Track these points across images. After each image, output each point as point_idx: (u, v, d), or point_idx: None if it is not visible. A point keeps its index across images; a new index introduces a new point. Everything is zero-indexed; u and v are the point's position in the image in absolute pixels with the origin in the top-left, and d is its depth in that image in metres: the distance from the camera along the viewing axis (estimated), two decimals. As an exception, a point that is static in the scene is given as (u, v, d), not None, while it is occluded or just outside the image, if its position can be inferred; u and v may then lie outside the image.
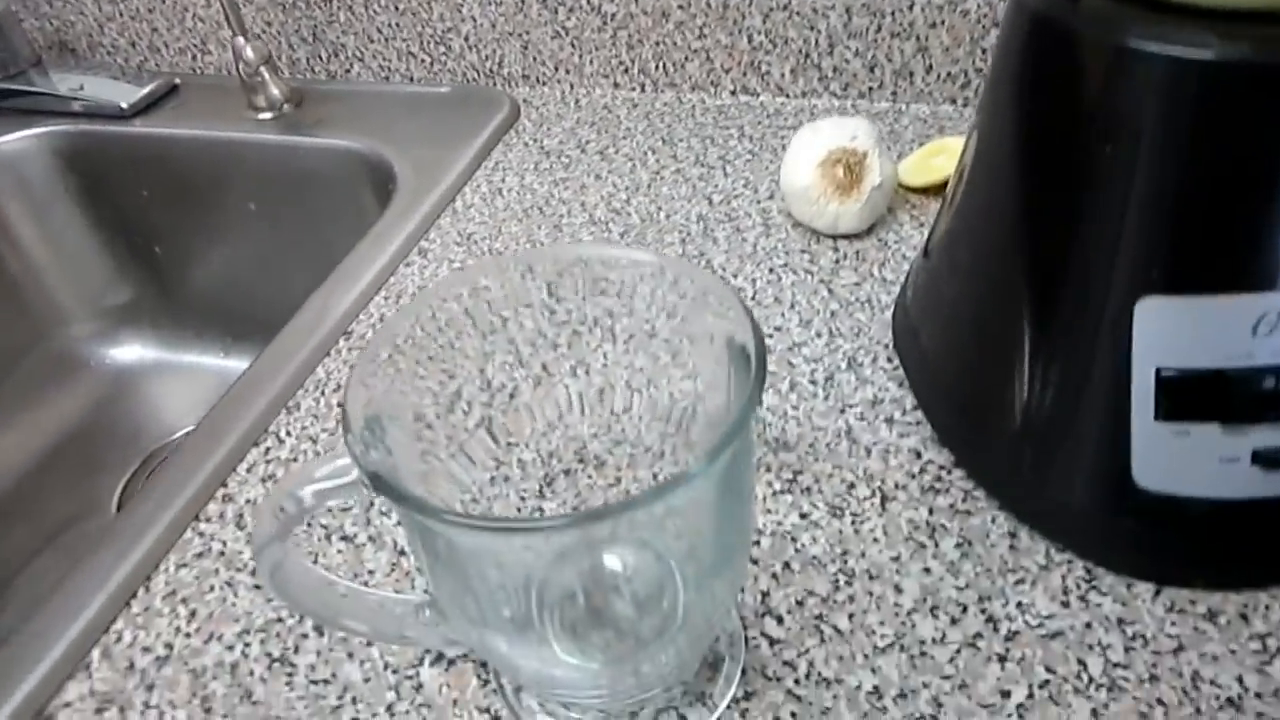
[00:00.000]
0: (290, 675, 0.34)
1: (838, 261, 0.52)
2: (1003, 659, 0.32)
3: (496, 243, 0.56)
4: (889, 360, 0.45)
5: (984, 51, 0.64)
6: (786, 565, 0.36)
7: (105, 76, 0.79)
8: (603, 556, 0.35)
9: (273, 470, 0.43)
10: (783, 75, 0.68)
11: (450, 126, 0.68)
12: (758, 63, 0.68)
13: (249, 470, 0.43)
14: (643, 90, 0.71)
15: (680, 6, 0.67)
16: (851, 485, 0.39)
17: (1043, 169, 0.34)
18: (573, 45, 0.70)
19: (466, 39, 0.74)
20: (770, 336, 0.47)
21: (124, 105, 0.75)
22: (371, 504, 0.40)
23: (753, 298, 0.50)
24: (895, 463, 0.40)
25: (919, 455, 0.40)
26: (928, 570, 0.35)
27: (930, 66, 0.65)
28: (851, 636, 0.33)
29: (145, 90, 0.76)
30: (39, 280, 0.79)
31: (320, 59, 0.79)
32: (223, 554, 0.39)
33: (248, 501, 0.41)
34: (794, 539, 0.37)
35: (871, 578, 0.35)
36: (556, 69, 0.72)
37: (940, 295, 0.41)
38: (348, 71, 0.79)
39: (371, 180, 0.68)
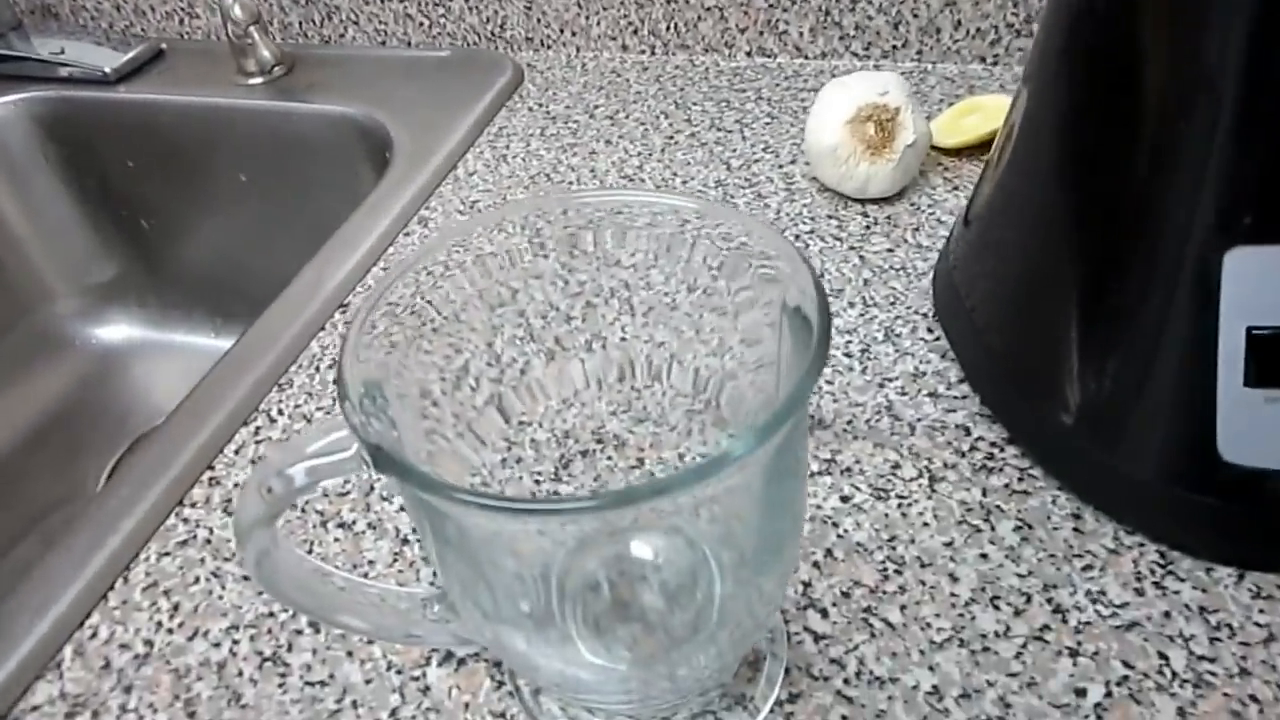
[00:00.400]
0: (283, 676, 0.31)
1: (868, 227, 0.49)
2: (1074, 653, 0.29)
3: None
4: (929, 330, 0.42)
5: (1015, 5, 0.60)
6: (829, 553, 0.33)
7: (88, 41, 0.75)
8: (629, 543, 0.32)
9: (263, 451, 0.39)
10: (801, 34, 0.64)
11: (450, 92, 0.64)
12: (775, 21, 0.64)
13: (237, 451, 0.39)
14: (653, 52, 0.67)
15: (694, -39, 0.63)
16: (896, 465, 0.36)
17: (1111, 112, 0.31)
18: (579, 5, 0.66)
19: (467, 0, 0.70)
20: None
21: (107, 70, 0.71)
22: (371, 488, 0.37)
23: (779, 265, 0.46)
24: (942, 440, 0.37)
25: (968, 432, 0.37)
26: (985, 556, 0.32)
27: (959, 22, 0.62)
28: (905, 630, 0.30)
29: (130, 55, 0.73)
30: (20, 255, 0.75)
31: (313, 22, 0.75)
32: (209, 542, 0.36)
33: (236, 485, 0.38)
34: (835, 524, 0.34)
35: (923, 565, 0.32)
36: (562, 31, 0.68)
37: (990, 259, 0.37)
38: (342, 36, 0.75)
39: (367, 147, 0.64)
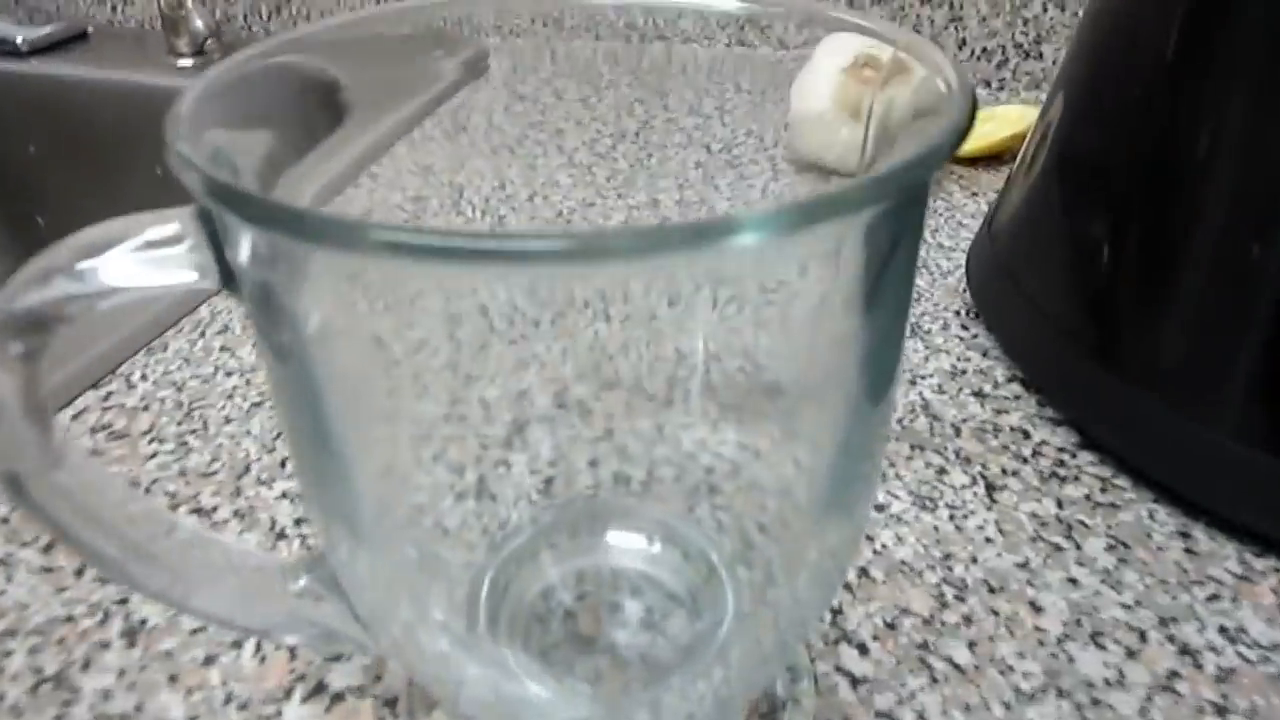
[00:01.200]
0: (66, 704, 0.21)
1: (881, 225, 0.42)
2: (1222, 710, 0.20)
3: (459, 176, 0.44)
4: (964, 328, 0.34)
5: (1025, 22, 0.55)
6: (864, 573, 0.24)
7: (9, 20, 0.68)
8: (598, 549, 0.23)
9: (109, 420, 0.30)
10: (785, 29, 0.59)
11: (412, 65, 0.57)
12: (757, 18, 0.59)
13: (75, 417, 0.30)
14: (628, 41, 0.61)
15: (684, -40, 0.58)
16: (941, 470, 0.28)
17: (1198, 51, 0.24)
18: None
19: (432, -6, 0.64)
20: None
21: (19, 40, 0.63)
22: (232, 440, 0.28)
23: (780, 254, 0.39)
24: (996, 444, 0.29)
25: (1026, 435, 0.29)
26: (1074, 582, 0.24)
27: (964, 41, 0.57)
28: (979, 675, 0.21)
29: (48, 29, 0.65)
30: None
31: (259, 15, 0.68)
32: (6, 521, 0.26)
33: (67, 460, 0.28)
34: (870, 537, 0.25)
35: (992, 590, 0.24)
36: (533, 21, 0.62)
37: (1051, 238, 0.30)
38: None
39: (317, 104, 0.56)
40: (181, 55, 0.61)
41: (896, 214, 0.12)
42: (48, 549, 0.25)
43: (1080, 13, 0.54)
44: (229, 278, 0.13)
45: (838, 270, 0.14)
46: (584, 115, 0.50)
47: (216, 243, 0.13)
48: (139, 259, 0.13)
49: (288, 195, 0.19)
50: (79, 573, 0.24)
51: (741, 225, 0.10)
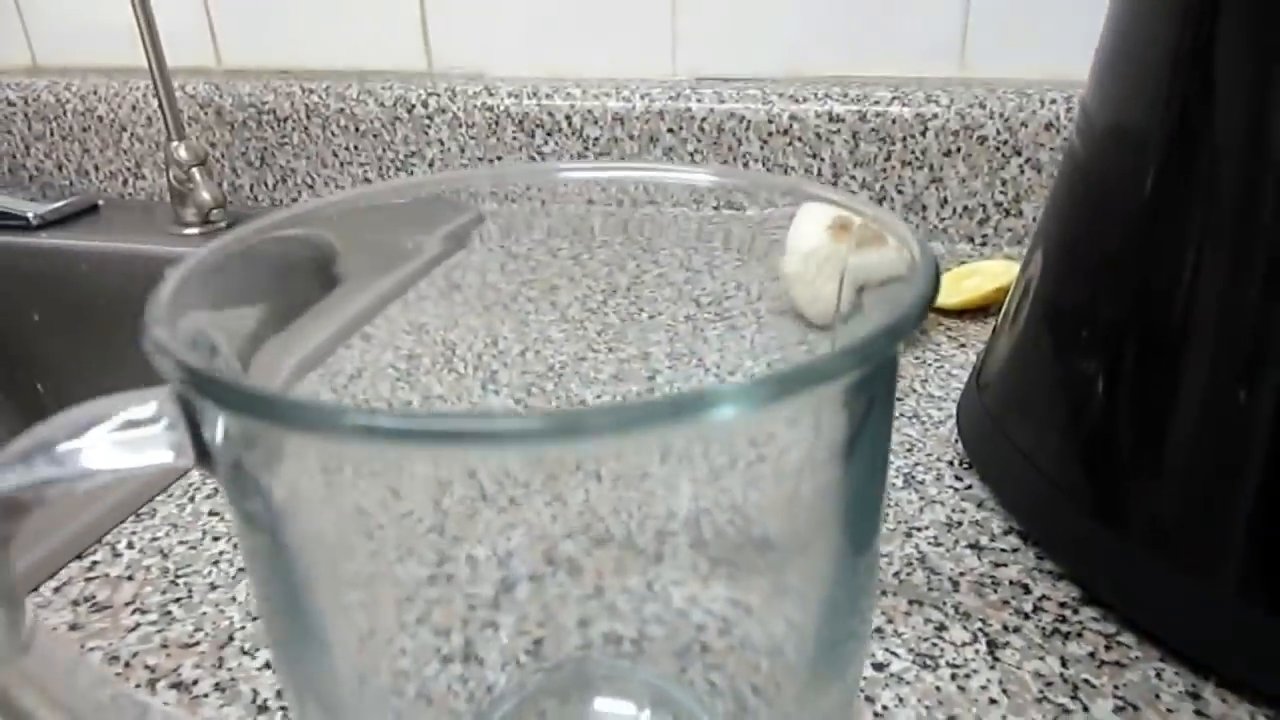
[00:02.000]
0: None
1: (869, 376, 0.42)
2: None
3: (451, 334, 0.45)
4: (957, 479, 0.34)
5: (1003, 183, 0.58)
6: (864, 736, 0.23)
7: (22, 197, 0.70)
8: (592, 706, 0.22)
9: (92, 591, 0.29)
10: (770, 197, 0.61)
11: (406, 228, 0.59)
12: (741, 190, 0.62)
13: (57, 590, 0.29)
14: (620, 205, 0.64)
15: (671, 130, 0.61)
16: (941, 627, 0.27)
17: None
18: (540, 156, 0.63)
19: (431, 164, 0.67)
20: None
21: (31, 216, 0.66)
22: (229, 640, 0.27)
23: (770, 407, 0.39)
24: (996, 598, 0.28)
25: (1026, 589, 0.28)
26: (1085, 746, 0.23)
27: (945, 199, 0.59)
28: None
29: (59, 204, 0.68)
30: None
31: (265, 185, 0.71)
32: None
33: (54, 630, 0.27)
34: (870, 699, 0.25)
35: (1000, 756, 0.23)
36: (528, 188, 0.64)
37: (1045, 377, 0.31)
38: (294, 199, 0.71)
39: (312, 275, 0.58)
40: (188, 225, 0.63)
41: (870, 380, 0.12)
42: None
43: (1054, 175, 0.57)
44: (204, 456, 0.13)
45: (818, 432, 0.14)
46: (576, 272, 0.52)
47: (193, 421, 0.13)
48: (117, 440, 0.13)
49: (270, 363, 0.19)
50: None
51: (719, 399, 0.10)
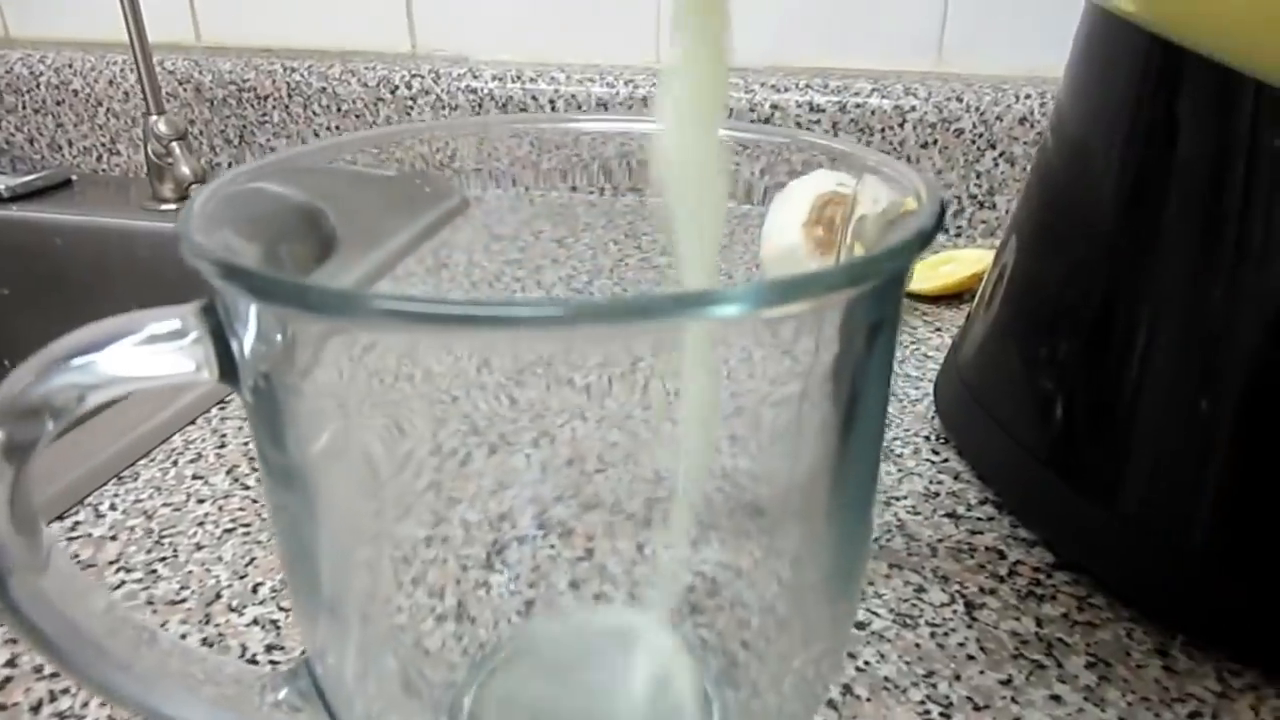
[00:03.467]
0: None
1: (848, 357, 0.43)
2: (1217, 829, 0.20)
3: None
4: (934, 453, 0.35)
5: (978, 176, 0.59)
6: (848, 690, 0.24)
7: (-10, 170, 0.69)
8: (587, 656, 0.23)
9: (76, 550, 0.29)
10: (754, 174, 0.62)
11: (394, 203, 0.59)
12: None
13: (41, 546, 0.29)
14: (602, 193, 0.64)
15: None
16: (920, 589, 0.28)
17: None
18: (531, 145, 0.64)
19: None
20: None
21: (2, 189, 0.65)
22: (216, 596, 0.27)
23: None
24: (973, 563, 0.29)
25: (1002, 555, 0.29)
26: (1058, 699, 0.24)
27: (922, 191, 0.60)
28: (970, 792, 0.21)
29: (30, 176, 0.67)
30: None
31: (244, 163, 0.71)
32: (-38, 652, 0.25)
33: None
34: (853, 655, 0.25)
35: (977, 708, 0.23)
36: (512, 164, 0.65)
37: (1020, 353, 0.32)
38: (273, 179, 0.71)
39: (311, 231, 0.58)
40: (165, 200, 0.63)
41: (876, 299, 0.13)
42: None
43: (1028, 168, 0.58)
44: (228, 371, 0.13)
45: (816, 355, 0.14)
46: (560, 254, 0.52)
47: (219, 336, 0.13)
48: (142, 351, 0.13)
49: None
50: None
51: (725, 298, 0.10)
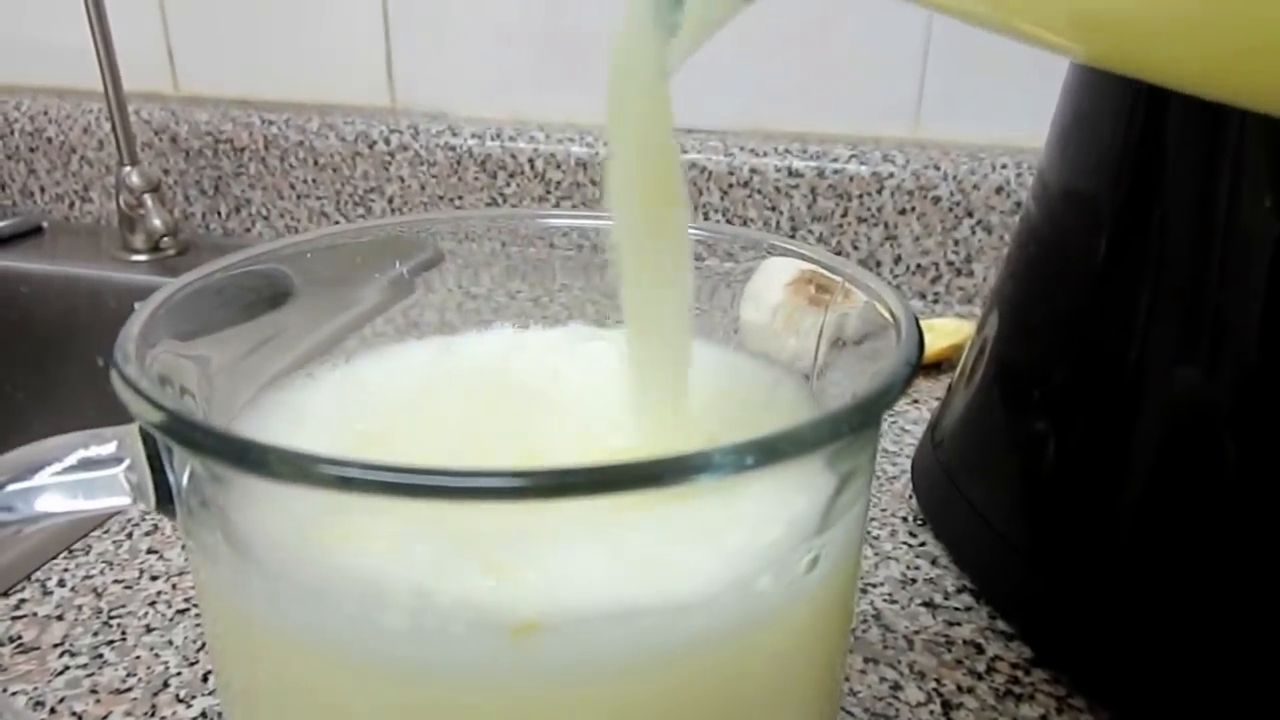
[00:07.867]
0: None
1: (824, 429, 0.42)
2: None
3: (403, 375, 0.44)
4: (912, 535, 0.35)
5: (956, 243, 0.59)
6: (821, 798, 0.23)
7: (-41, 216, 0.68)
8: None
9: (19, 632, 0.28)
10: (733, 248, 0.62)
11: (364, 264, 0.59)
12: (706, 243, 0.62)
13: (-19, 629, 0.28)
14: (580, 250, 0.64)
15: (632, 177, 0.62)
16: (896, 686, 0.27)
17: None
18: (502, 198, 0.63)
19: (391, 200, 0.67)
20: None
21: (-32, 236, 0.64)
22: (164, 690, 0.26)
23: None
24: (950, 658, 0.28)
25: (980, 649, 0.29)
26: (1039, 810, 0.23)
27: (899, 257, 0.60)
28: None
29: (1, 223, 0.66)
30: None
31: (218, 214, 0.70)
32: (-114, 752, 0.23)
33: (-34, 677, 0.26)
34: (826, 758, 0.24)
35: (956, 820, 0.23)
36: (489, 228, 0.64)
37: (999, 437, 0.31)
38: (248, 230, 0.70)
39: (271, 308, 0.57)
40: (136, 251, 0.62)
41: (851, 448, 0.12)
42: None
43: (1006, 237, 0.58)
44: (164, 499, 0.13)
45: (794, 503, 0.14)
46: (536, 314, 0.51)
47: (156, 463, 0.12)
48: (73, 480, 0.12)
49: (231, 391, 0.18)
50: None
51: (705, 464, 0.10)
